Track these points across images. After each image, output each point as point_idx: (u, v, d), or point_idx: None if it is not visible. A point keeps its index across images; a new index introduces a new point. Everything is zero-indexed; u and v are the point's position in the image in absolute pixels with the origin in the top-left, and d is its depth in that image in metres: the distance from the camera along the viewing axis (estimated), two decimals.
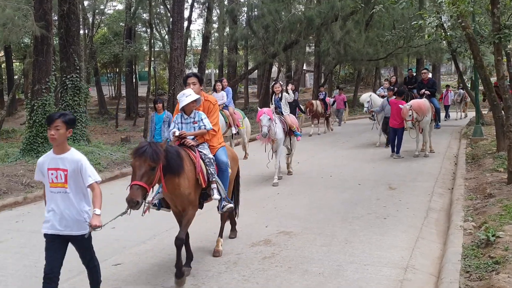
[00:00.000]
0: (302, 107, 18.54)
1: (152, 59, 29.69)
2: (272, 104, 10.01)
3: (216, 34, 23.94)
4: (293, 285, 4.57)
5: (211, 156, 5.05)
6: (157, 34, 28.86)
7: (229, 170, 5.35)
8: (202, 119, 5.12)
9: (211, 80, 49.65)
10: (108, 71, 34.00)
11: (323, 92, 20.00)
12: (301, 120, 19.24)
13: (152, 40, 28.29)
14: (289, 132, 9.92)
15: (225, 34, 23.12)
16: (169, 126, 9.37)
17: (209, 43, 20.96)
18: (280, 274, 4.83)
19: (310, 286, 4.52)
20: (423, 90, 12.91)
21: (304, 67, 33.19)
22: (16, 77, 29.18)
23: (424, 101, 11.94)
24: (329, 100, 20.65)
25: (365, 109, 14.71)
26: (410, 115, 11.17)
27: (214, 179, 4.99)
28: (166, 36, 27.63)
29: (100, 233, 6.44)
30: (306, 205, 7.64)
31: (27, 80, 27.83)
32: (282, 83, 10.16)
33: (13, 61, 30.49)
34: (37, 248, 6.08)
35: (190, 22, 24.74)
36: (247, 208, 7.63)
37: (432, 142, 12.68)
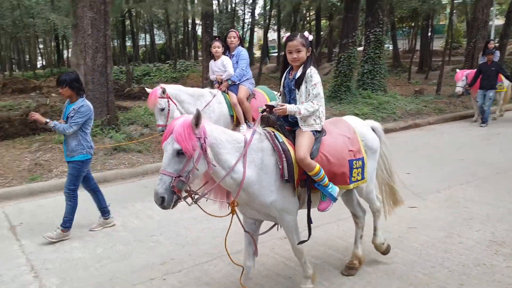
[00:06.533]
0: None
1: (454, 11, 28.44)
2: (280, 87, 3.82)
3: None
4: None
5: None
6: None
7: None
8: None
9: None
10: (404, 25, 34.26)
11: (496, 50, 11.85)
12: (504, 97, 12.27)
13: None
14: (300, 178, 3.47)
15: None
16: (87, 124, 5.29)
17: None
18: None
19: None
20: None
21: None
22: (322, 33, 32.58)
23: None
24: None
25: None
26: None
27: None
28: None
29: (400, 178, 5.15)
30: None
31: (330, 35, 30.92)
32: (308, 35, 3.58)
33: (321, 19, 34.15)
34: None
35: None
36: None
37: None
